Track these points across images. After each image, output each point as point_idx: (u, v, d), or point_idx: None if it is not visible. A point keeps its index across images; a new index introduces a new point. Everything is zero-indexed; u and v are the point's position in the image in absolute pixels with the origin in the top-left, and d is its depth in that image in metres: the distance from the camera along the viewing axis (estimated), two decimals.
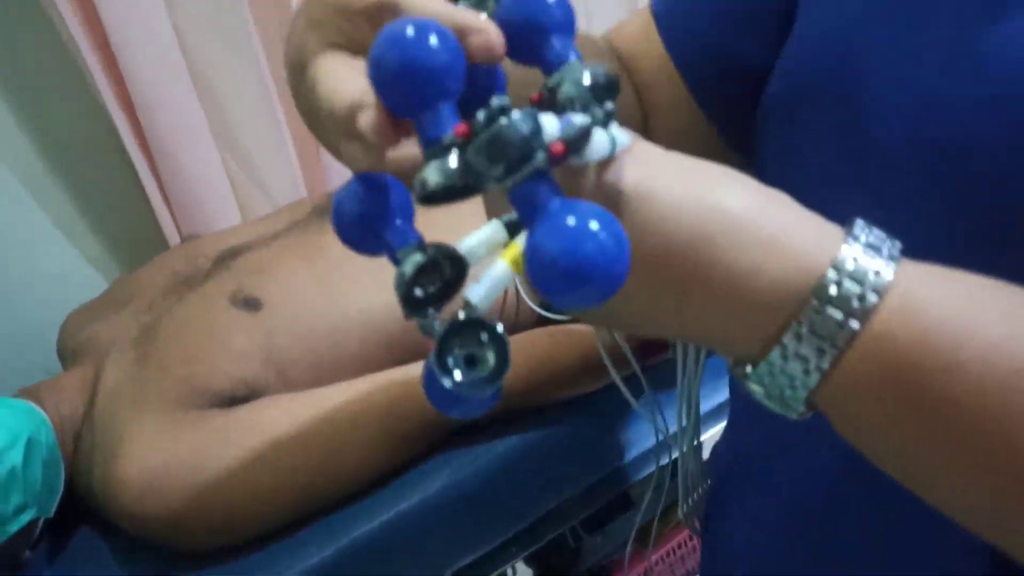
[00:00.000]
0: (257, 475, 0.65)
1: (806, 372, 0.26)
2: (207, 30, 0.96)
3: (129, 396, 0.69)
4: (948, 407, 0.25)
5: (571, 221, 0.22)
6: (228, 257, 0.81)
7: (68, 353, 0.87)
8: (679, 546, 1.04)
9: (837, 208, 0.27)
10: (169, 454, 0.65)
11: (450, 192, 0.23)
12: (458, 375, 0.24)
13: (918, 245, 0.27)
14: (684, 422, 0.58)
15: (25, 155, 0.97)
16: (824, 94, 0.40)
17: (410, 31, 0.23)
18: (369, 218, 0.28)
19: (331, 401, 0.69)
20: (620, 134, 0.26)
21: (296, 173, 1.07)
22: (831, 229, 0.27)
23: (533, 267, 0.23)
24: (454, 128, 0.23)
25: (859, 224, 0.27)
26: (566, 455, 0.76)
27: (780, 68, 0.44)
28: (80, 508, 0.73)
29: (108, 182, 1.03)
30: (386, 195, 0.28)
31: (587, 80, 0.26)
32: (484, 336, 0.24)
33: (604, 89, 0.26)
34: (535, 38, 0.28)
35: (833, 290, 0.25)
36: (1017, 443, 0.24)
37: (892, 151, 0.36)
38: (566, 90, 0.26)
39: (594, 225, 0.22)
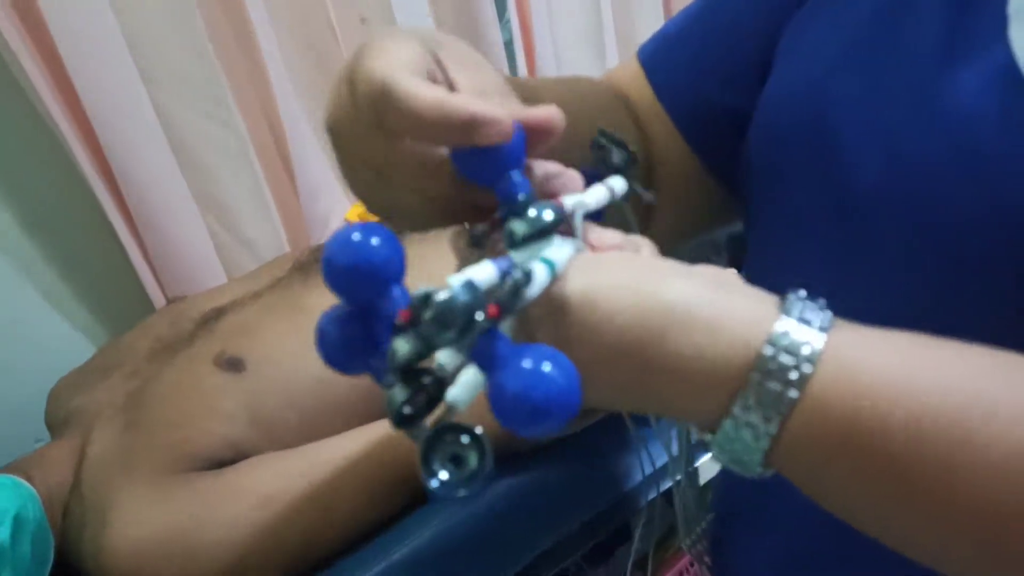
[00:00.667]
0: (249, 539, 0.65)
1: (756, 437, 0.28)
2: (184, 99, 0.97)
3: (117, 463, 0.69)
4: (888, 465, 0.27)
5: (525, 364, 0.25)
6: (211, 319, 0.81)
7: (57, 422, 0.87)
8: (681, 573, 1.02)
9: (815, 255, 0.28)
10: (159, 523, 0.65)
11: (418, 356, 0.26)
12: (444, 475, 0.26)
13: (892, 294, 0.29)
14: (675, 451, 0.58)
15: (6, 227, 0.98)
16: (800, 143, 0.41)
17: (355, 236, 0.27)
18: (355, 343, 0.30)
19: (320, 457, 0.69)
20: (562, 252, 0.30)
21: (279, 231, 1.08)
22: (768, 306, 0.29)
23: (497, 409, 0.26)
24: (400, 313, 0.26)
25: (792, 298, 0.29)
26: (559, 494, 0.75)
27: (758, 116, 0.45)
28: (73, 573, 0.72)
29: (91, 250, 1.04)
30: (371, 322, 0.29)
31: (524, 229, 0.30)
32: (465, 438, 0.27)
33: (552, 224, 0.30)
34: (491, 172, 0.32)
35: (771, 364, 0.27)
36: (960, 494, 0.26)
37: (863, 200, 0.37)
38: (515, 228, 0.30)
39: (545, 366, 0.25)
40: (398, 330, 0.26)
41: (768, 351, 0.27)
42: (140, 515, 0.66)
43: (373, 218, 1.08)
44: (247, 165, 1.03)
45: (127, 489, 0.67)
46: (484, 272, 0.28)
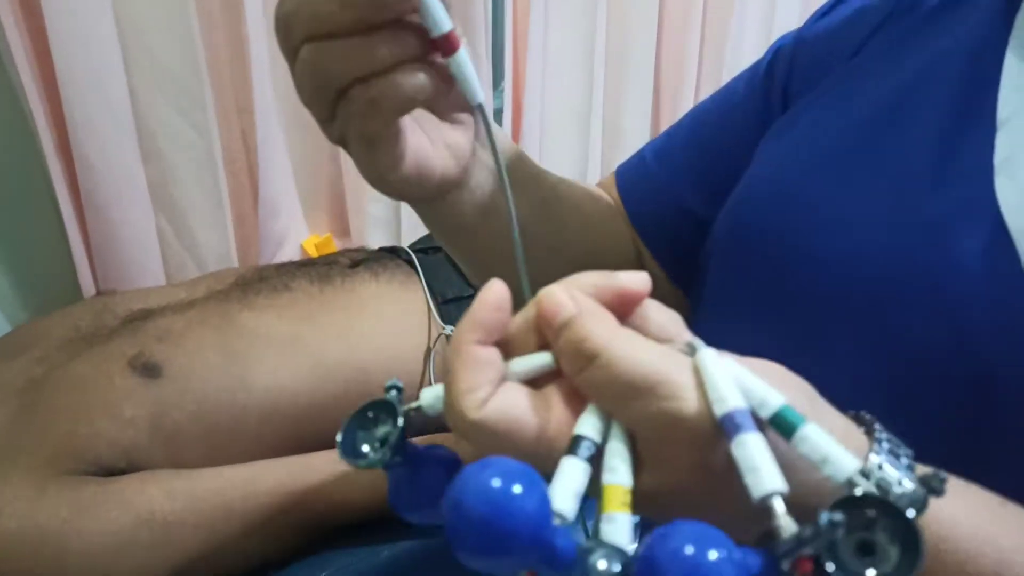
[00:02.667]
0: (125, 555, 0.61)
1: None
2: (161, 91, 0.96)
3: (1, 450, 0.65)
4: None
5: None
6: (138, 318, 0.78)
7: None
8: None
9: (759, 349, 0.28)
10: (28, 521, 0.61)
11: None
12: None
13: (840, 393, 0.28)
14: None
15: None
16: (763, 239, 0.42)
17: (495, 482, 0.22)
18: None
19: (216, 482, 0.66)
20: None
21: (230, 243, 1.06)
22: (857, 435, 0.28)
23: None
24: None
25: (879, 430, 0.28)
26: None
27: (726, 211, 0.47)
28: None
29: (30, 224, 0.99)
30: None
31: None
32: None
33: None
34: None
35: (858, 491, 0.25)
36: None
37: (823, 308, 0.38)
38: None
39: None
40: None
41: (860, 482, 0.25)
42: (13, 508, 0.61)
43: (328, 247, 1.04)
44: (211, 170, 1.01)
45: (2, 481, 0.63)
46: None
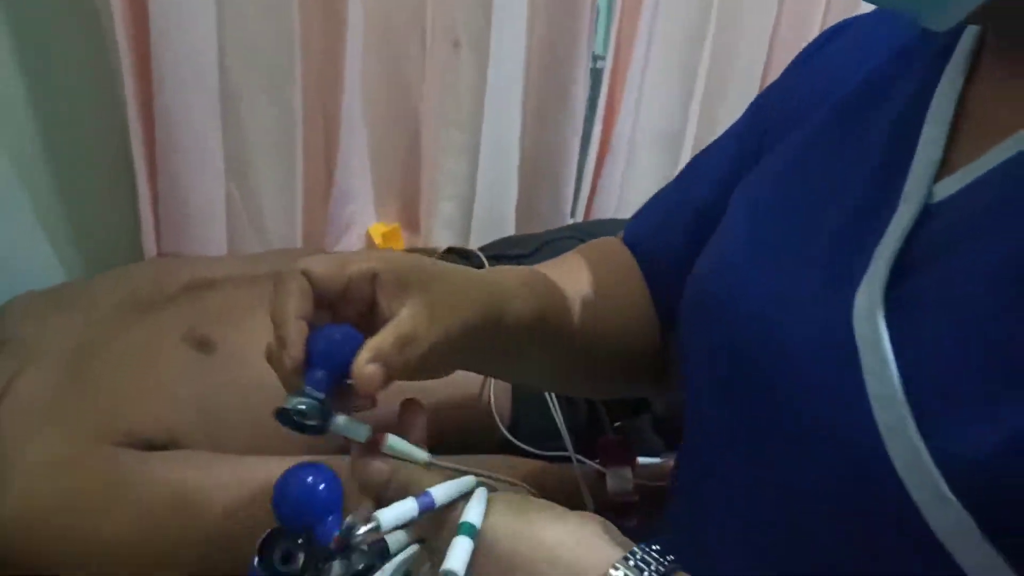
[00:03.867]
0: (151, 536, 0.57)
1: None
2: (253, 63, 0.93)
3: (42, 412, 0.62)
4: None
5: None
6: (196, 288, 0.75)
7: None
8: None
9: (711, 438, 0.34)
10: (64, 486, 0.58)
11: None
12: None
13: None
14: None
15: (24, 124, 0.91)
16: (706, 313, 0.42)
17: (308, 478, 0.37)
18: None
19: (254, 473, 0.62)
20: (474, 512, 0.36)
21: (297, 221, 1.03)
22: (616, 552, 0.34)
23: None
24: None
25: (637, 548, 0.34)
26: None
27: (689, 278, 0.46)
28: None
29: (100, 176, 0.97)
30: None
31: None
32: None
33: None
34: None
35: None
36: None
37: (756, 393, 0.37)
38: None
39: None
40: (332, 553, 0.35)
41: None
42: (50, 472, 0.58)
43: (395, 238, 0.97)
44: (289, 148, 0.98)
45: (42, 443, 0.60)
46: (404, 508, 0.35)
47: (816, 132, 0.43)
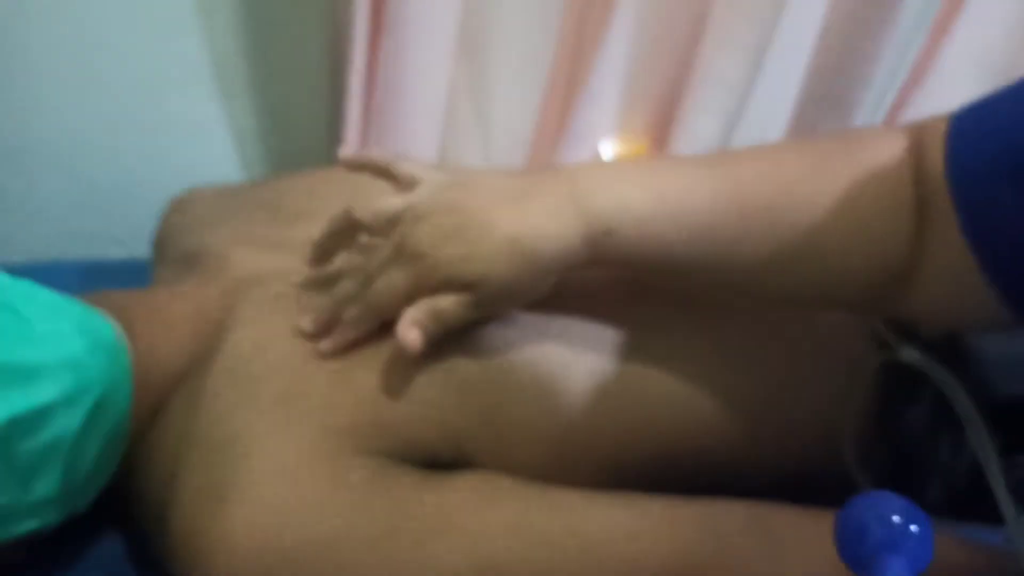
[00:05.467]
0: None
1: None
2: None
3: (277, 393, 0.42)
4: None
5: None
6: None
7: (174, 251, 0.60)
8: None
9: None
10: (312, 523, 0.38)
11: None
12: None
13: None
14: None
15: None
16: None
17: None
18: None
19: (582, 520, 0.41)
20: None
21: (529, 120, 0.81)
22: None
23: None
24: None
25: None
26: None
27: None
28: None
29: (307, 64, 0.77)
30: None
31: None
32: None
33: None
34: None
35: None
36: None
37: None
38: None
39: None
40: None
41: None
42: (281, 507, 0.38)
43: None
44: (541, 31, 0.74)
45: (283, 442, 0.40)
46: None
47: None
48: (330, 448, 0.40)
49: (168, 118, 0.77)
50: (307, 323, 0.44)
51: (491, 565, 0.38)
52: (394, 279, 0.41)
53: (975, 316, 0.41)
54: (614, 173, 0.42)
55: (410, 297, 0.41)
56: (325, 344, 0.43)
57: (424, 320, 0.40)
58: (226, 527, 0.37)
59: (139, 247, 0.65)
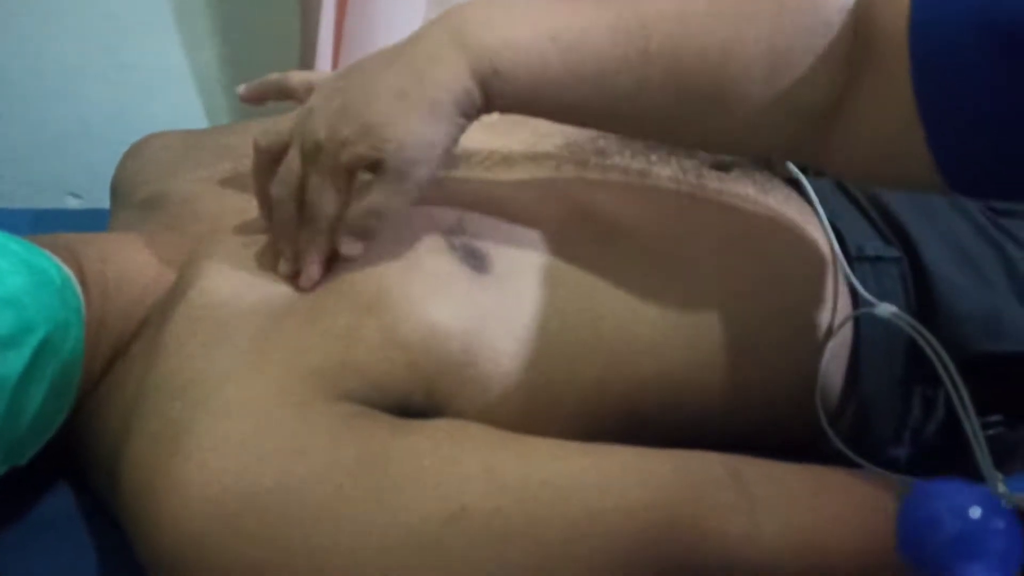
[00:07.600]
0: (415, 568, 0.36)
1: None
2: None
3: (244, 338, 0.40)
4: None
5: None
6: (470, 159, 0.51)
7: (133, 196, 0.57)
8: None
9: None
10: (278, 463, 0.36)
11: None
12: None
13: None
14: None
15: None
16: None
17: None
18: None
19: (567, 467, 0.39)
20: None
21: None
22: None
23: None
24: None
25: None
26: None
27: None
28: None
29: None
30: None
31: None
32: None
33: None
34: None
35: None
36: None
37: None
38: None
39: None
40: None
41: None
42: (257, 435, 0.36)
43: None
44: None
45: (244, 392, 0.38)
46: None
47: None
48: (298, 392, 0.38)
49: (130, 65, 0.73)
50: (283, 267, 0.43)
51: (461, 511, 0.36)
52: (314, 184, 0.40)
53: (902, 176, 0.40)
54: (505, 12, 0.40)
55: (339, 191, 0.40)
56: (302, 280, 0.41)
57: (360, 222, 0.40)
58: (182, 469, 0.35)
59: (96, 198, 0.63)
